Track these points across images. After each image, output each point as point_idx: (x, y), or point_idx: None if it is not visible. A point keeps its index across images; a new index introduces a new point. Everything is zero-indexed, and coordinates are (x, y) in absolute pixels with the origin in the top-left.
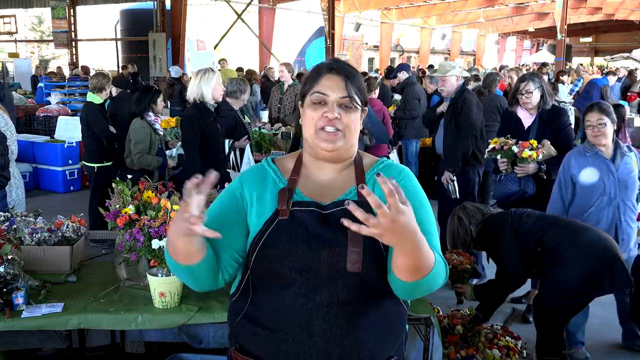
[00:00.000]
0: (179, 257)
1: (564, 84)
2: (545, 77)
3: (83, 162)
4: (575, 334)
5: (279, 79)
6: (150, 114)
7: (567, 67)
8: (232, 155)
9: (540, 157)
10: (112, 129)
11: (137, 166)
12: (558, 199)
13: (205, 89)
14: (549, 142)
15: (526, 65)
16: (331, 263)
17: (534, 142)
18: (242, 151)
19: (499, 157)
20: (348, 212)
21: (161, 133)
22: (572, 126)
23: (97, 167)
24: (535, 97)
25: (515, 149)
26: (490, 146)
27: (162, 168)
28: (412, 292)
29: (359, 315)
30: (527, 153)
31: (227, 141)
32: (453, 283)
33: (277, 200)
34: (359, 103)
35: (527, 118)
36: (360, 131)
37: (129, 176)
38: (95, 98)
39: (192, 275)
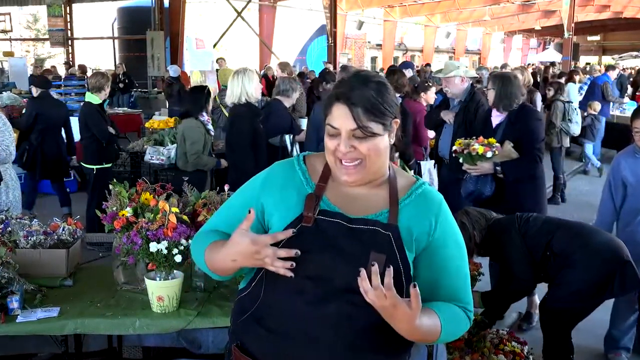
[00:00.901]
0: (221, 272)
1: (575, 83)
2: (565, 78)
3: (81, 163)
4: (620, 339)
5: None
6: (204, 114)
7: (573, 66)
8: (294, 150)
9: (489, 154)
10: (111, 129)
11: (191, 167)
12: (609, 201)
13: (250, 88)
14: (511, 144)
15: (532, 64)
16: (346, 278)
17: (492, 140)
18: (302, 145)
19: (460, 159)
20: (375, 233)
21: (212, 133)
22: (579, 126)
23: (96, 168)
24: (489, 96)
25: (473, 144)
26: (454, 147)
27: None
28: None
29: (367, 331)
30: (474, 147)
31: (287, 137)
32: None
33: (304, 206)
34: (375, 131)
35: (497, 116)
36: (394, 144)
37: (185, 178)
38: (93, 98)
39: (222, 278)
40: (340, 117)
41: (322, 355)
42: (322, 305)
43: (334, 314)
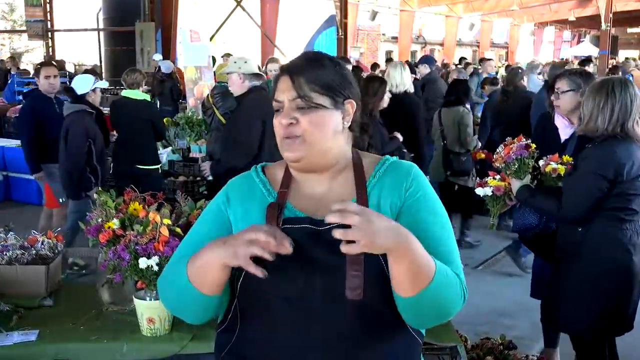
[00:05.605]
0: (207, 287)
1: None
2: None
3: (137, 166)
4: None
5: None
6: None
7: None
8: None
9: None
10: None
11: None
12: None
13: (408, 80)
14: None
15: (565, 59)
16: (327, 289)
17: (568, 158)
18: None
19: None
20: (347, 228)
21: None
22: None
23: (160, 168)
24: (567, 101)
25: (540, 162)
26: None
27: None
28: (418, 311)
29: (362, 348)
30: (551, 166)
31: None
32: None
33: (266, 218)
34: (319, 102)
35: (565, 128)
36: (349, 129)
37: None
38: (144, 96)
39: (206, 306)
40: (283, 89)
41: None
42: (307, 328)
43: (322, 335)
